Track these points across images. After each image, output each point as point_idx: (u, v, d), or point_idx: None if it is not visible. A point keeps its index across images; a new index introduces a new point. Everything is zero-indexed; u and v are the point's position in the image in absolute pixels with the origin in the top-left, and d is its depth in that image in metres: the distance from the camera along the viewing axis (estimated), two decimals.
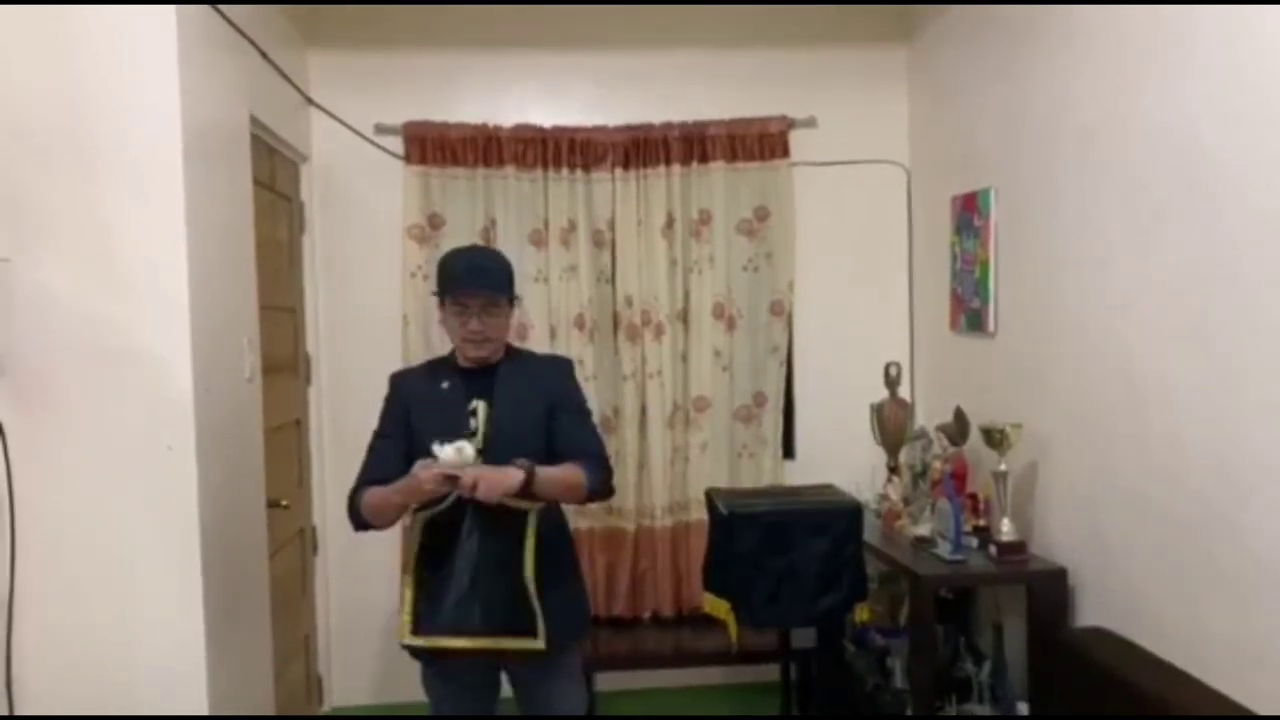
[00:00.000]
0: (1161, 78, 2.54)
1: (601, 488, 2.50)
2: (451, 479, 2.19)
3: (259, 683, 3.01)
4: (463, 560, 2.30)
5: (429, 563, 2.34)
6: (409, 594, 2.33)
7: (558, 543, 2.55)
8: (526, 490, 2.26)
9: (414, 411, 2.49)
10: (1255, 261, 2.21)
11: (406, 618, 2.33)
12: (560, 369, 2.65)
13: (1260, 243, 2.20)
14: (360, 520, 2.48)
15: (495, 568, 2.31)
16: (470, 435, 2.38)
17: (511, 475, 2.24)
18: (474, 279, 2.45)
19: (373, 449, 2.54)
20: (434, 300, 3.88)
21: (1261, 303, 2.20)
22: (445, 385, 2.51)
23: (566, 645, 2.52)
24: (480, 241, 3.96)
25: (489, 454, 2.38)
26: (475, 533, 2.30)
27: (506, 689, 2.61)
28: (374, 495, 2.41)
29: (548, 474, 2.32)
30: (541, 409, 2.49)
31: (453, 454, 2.19)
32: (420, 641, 2.34)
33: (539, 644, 2.33)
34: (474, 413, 2.43)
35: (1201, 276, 2.39)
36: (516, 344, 2.79)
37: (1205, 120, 2.37)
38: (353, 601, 4.09)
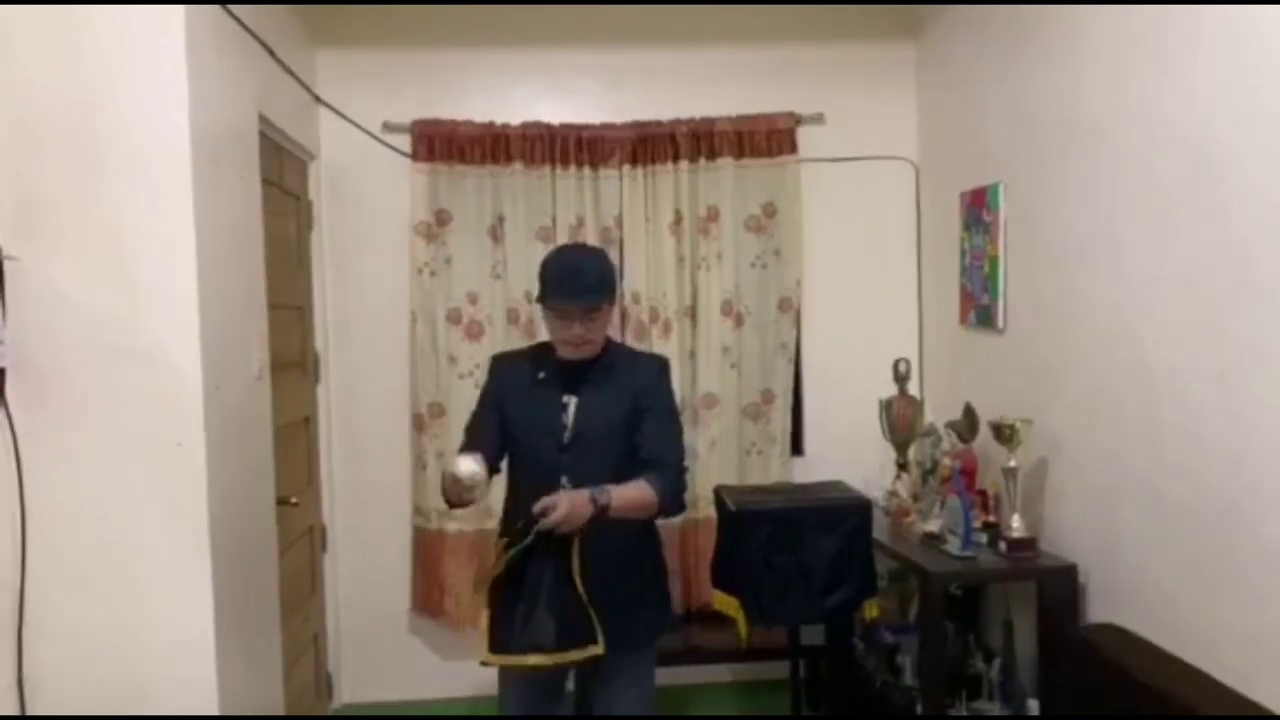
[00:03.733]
0: (1171, 71, 2.53)
1: (673, 505, 2.49)
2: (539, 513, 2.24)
3: (269, 681, 3.02)
4: (531, 581, 2.33)
5: (504, 585, 2.36)
6: (485, 614, 2.37)
7: (639, 545, 2.57)
8: (598, 519, 2.30)
9: (509, 398, 2.55)
10: (1268, 255, 2.20)
11: (484, 638, 2.37)
12: (653, 369, 2.62)
13: (1273, 236, 2.18)
14: None
15: (559, 585, 2.33)
16: (562, 430, 2.48)
17: (587, 507, 2.27)
18: (576, 291, 2.42)
19: (470, 427, 2.62)
20: (441, 296, 3.96)
21: (1275, 296, 2.18)
22: (542, 376, 2.54)
23: (636, 647, 2.54)
24: (489, 240, 3.97)
25: (574, 453, 2.45)
26: (539, 554, 2.31)
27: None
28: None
29: (621, 502, 2.33)
30: (626, 410, 2.49)
31: (474, 465, 2.27)
32: (499, 660, 2.38)
33: (599, 649, 2.36)
34: (565, 408, 2.49)
35: (1214, 270, 2.38)
36: (616, 339, 2.83)
37: (1216, 113, 2.36)
38: (362, 599, 4.10)
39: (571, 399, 2.49)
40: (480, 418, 2.60)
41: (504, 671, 2.58)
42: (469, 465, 2.26)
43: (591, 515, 2.28)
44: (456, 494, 2.31)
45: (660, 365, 2.65)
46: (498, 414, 2.55)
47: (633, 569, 2.54)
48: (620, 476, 2.39)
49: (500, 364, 2.69)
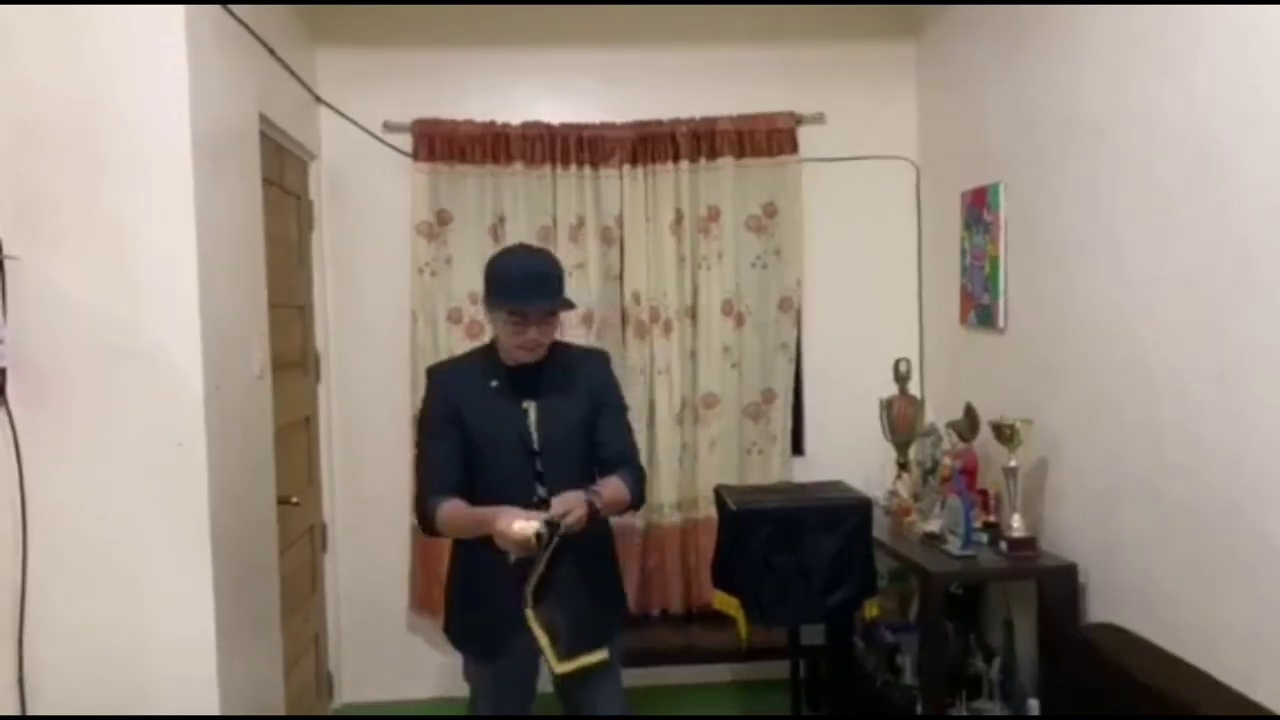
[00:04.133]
0: (1171, 71, 2.52)
1: (638, 503, 2.54)
2: (553, 525, 2.23)
3: (269, 680, 3.02)
4: (564, 584, 2.34)
5: (537, 600, 2.34)
6: (540, 632, 2.35)
7: (605, 542, 2.61)
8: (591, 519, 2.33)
9: (465, 410, 2.47)
10: (1268, 255, 2.20)
11: (551, 654, 2.36)
12: (601, 364, 2.65)
13: (1273, 236, 2.18)
14: (433, 529, 2.47)
15: (583, 583, 2.40)
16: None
17: (584, 507, 2.28)
18: (535, 294, 2.38)
19: (430, 453, 2.50)
20: (442, 296, 3.96)
21: (1275, 296, 2.18)
22: (494, 384, 2.49)
23: (610, 642, 2.55)
24: (489, 239, 3.97)
25: (545, 459, 2.44)
26: (557, 556, 2.31)
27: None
28: (454, 516, 2.40)
29: (605, 501, 2.35)
30: (586, 408, 2.51)
31: (537, 527, 2.23)
32: (575, 665, 2.38)
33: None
34: (526, 414, 2.46)
35: (1214, 269, 2.38)
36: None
37: (1216, 113, 2.36)
38: (362, 598, 4.10)
39: (530, 404, 2.46)
40: (441, 441, 2.47)
41: (475, 675, 2.58)
42: (535, 526, 2.21)
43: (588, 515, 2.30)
44: (522, 553, 2.26)
45: (606, 359, 2.70)
46: (457, 429, 2.46)
47: (600, 566, 2.57)
48: (588, 477, 2.41)
49: (442, 376, 2.57)
